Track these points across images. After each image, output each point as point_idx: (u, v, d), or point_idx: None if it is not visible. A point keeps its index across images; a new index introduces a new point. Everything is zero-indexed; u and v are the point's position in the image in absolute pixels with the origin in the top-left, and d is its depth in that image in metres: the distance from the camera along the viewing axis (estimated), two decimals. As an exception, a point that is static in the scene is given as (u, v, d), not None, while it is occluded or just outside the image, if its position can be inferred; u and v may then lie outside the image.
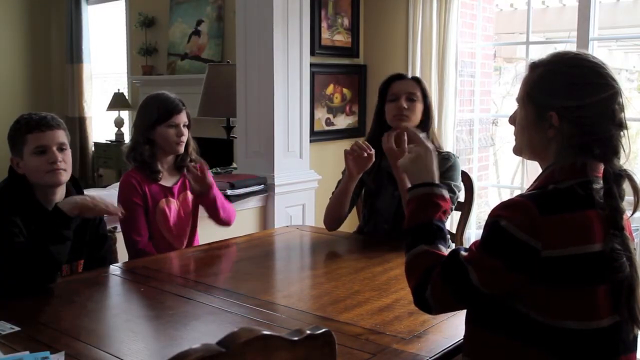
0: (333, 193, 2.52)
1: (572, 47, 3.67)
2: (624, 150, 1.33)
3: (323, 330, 1.09)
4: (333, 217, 2.49)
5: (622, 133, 1.33)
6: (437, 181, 1.47)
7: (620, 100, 1.33)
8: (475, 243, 1.33)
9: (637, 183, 1.34)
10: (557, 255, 1.25)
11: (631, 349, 1.33)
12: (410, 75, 2.49)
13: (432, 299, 1.34)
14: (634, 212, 1.34)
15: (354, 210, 2.78)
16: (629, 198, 1.34)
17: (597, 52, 3.67)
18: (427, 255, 1.38)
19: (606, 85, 1.32)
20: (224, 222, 2.57)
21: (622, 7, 6.65)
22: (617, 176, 1.31)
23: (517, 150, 1.48)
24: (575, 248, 1.26)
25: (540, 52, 7.46)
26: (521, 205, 1.28)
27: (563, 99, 1.33)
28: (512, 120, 1.47)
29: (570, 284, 1.27)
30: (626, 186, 1.34)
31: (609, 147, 1.32)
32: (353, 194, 2.50)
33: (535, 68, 1.39)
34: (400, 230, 2.41)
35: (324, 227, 2.69)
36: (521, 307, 1.30)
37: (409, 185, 1.50)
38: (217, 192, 2.50)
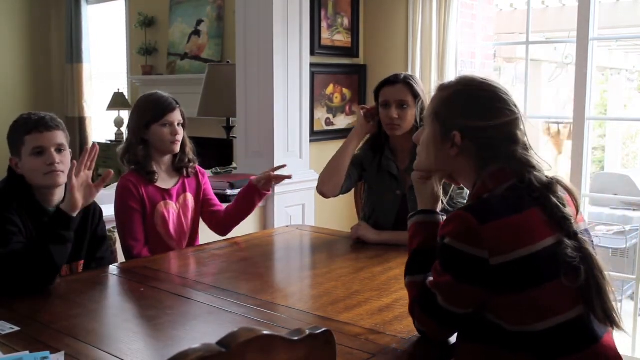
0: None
1: (571, 47, 3.67)
2: (546, 162, 1.39)
3: (323, 330, 1.09)
4: (331, 179, 2.48)
5: (529, 153, 1.39)
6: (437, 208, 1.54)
7: (522, 126, 1.40)
8: (435, 265, 1.37)
9: (567, 184, 1.39)
10: (505, 260, 1.26)
11: (607, 331, 1.34)
12: (403, 75, 2.44)
13: (425, 332, 1.43)
14: (577, 211, 1.38)
15: (354, 209, 2.78)
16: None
17: (597, 52, 3.66)
18: (411, 287, 1.48)
19: (508, 111, 1.39)
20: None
21: (622, 7, 6.65)
22: (548, 185, 1.35)
23: (421, 168, 1.53)
24: (521, 250, 1.27)
25: (540, 52, 7.46)
26: (458, 218, 1.31)
27: (467, 119, 1.39)
28: (417, 138, 1.53)
29: (526, 287, 1.28)
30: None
31: (521, 162, 1.36)
32: (352, 177, 2.50)
33: (444, 89, 1.46)
34: (401, 230, 2.41)
35: (324, 227, 2.69)
36: (491, 317, 1.32)
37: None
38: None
